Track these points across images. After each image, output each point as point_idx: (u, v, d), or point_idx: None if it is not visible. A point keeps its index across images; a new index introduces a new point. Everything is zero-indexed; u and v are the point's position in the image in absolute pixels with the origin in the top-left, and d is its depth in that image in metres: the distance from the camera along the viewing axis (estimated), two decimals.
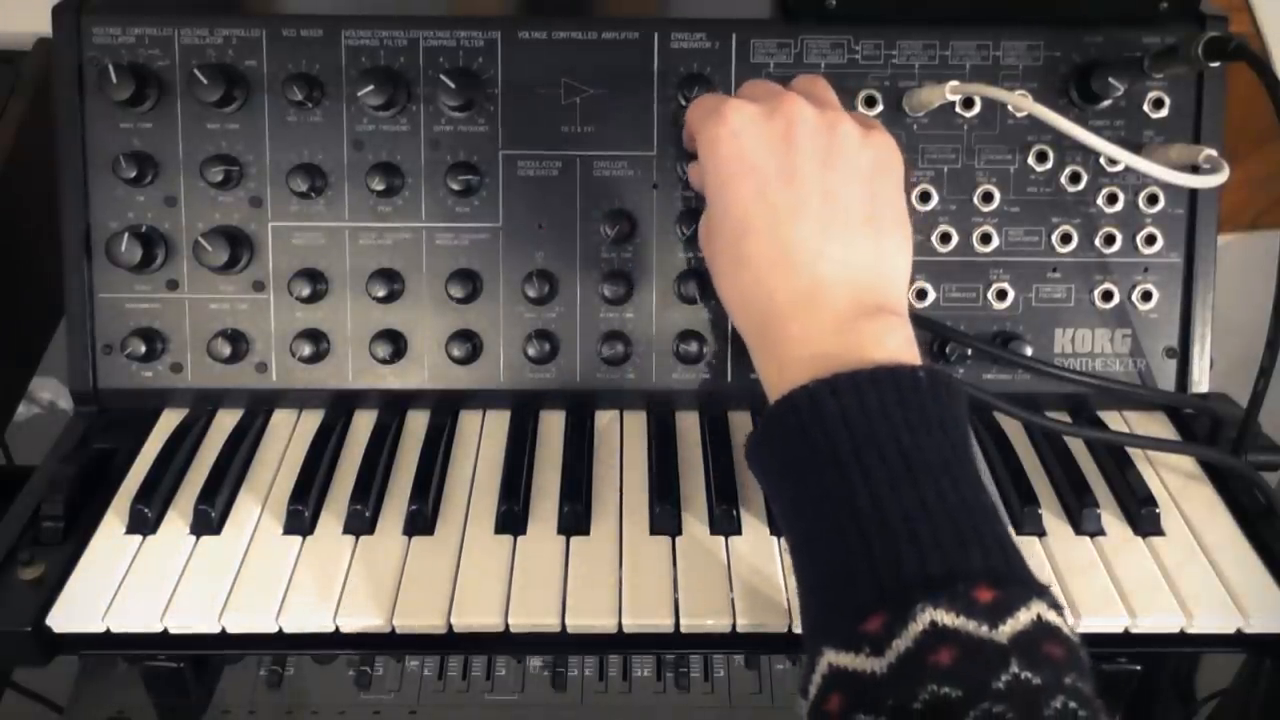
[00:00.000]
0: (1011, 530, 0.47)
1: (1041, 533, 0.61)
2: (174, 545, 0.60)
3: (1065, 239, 0.68)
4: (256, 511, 0.62)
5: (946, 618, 0.40)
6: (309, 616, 0.56)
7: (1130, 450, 0.66)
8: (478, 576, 0.58)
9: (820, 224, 0.54)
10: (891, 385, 0.48)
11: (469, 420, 0.70)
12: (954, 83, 0.64)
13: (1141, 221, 0.69)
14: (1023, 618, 0.40)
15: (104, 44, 0.66)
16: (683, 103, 0.66)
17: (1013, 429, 0.68)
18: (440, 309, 0.68)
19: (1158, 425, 0.70)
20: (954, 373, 0.68)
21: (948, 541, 0.43)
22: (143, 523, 0.60)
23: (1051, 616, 0.41)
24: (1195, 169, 0.65)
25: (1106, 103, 0.67)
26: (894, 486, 0.45)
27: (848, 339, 0.51)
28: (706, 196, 0.59)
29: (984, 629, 0.39)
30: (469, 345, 0.67)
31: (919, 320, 0.67)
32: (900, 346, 0.51)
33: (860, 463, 0.46)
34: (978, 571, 0.42)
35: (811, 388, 0.49)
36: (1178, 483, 0.65)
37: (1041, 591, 0.42)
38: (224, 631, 0.56)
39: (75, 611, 0.56)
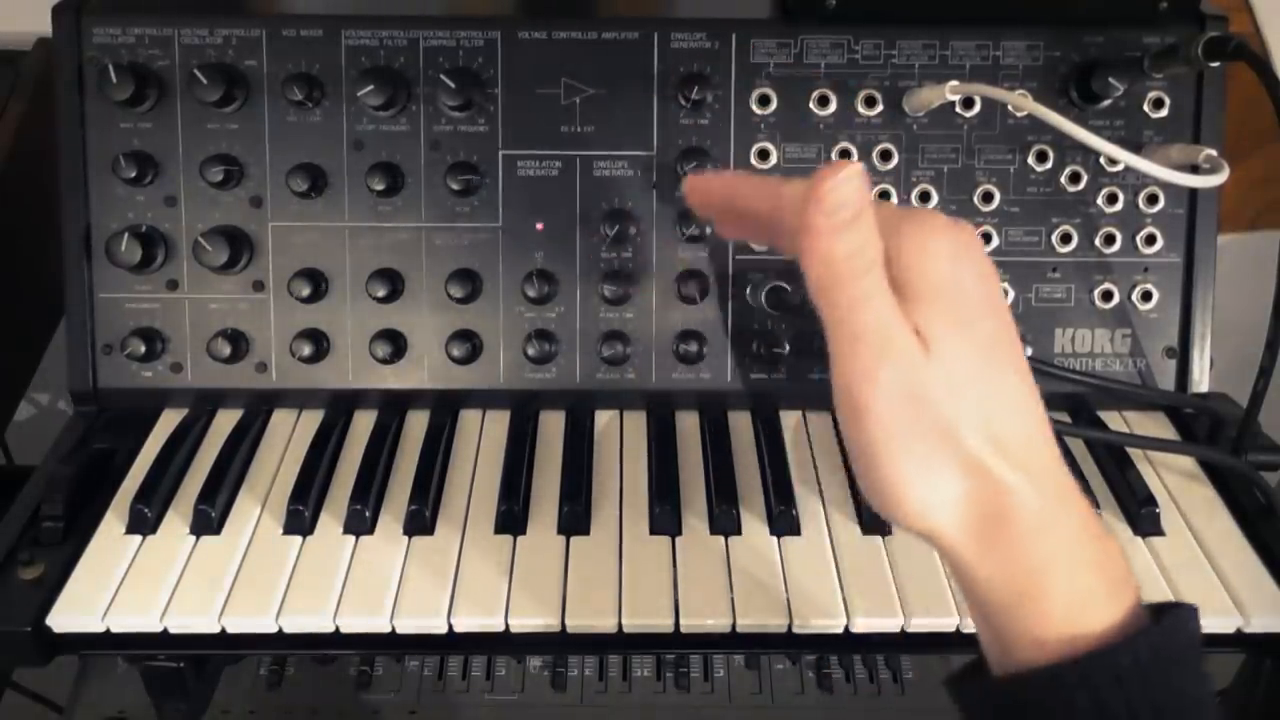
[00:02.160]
0: None
1: None
2: (174, 545, 0.60)
3: (1065, 239, 0.68)
4: (256, 511, 0.62)
5: None
6: (309, 616, 0.56)
7: (1130, 450, 0.66)
8: (478, 576, 0.58)
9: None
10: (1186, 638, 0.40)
11: (469, 420, 0.70)
12: (954, 83, 0.64)
13: (1141, 221, 0.69)
14: None
15: (104, 44, 0.66)
16: (682, 102, 0.66)
17: None
18: (440, 309, 0.68)
19: (1158, 425, 0.70)
20: None
21: None
22: (142, 523, 0.60)
23: None
24: (1195, 169, 0.65)
25: (1106, 103, 0.67)
26: None
27: (1115, 555, 0.41)
28: (922, 337, 0.39)
29: None
30: (469, 345, 0.67)
31: None
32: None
33: None
34: None
35: (1117, 654, 0.38)
36: (1178, 483, 0.65)
37: None
38: (224, 631, 0.56)
39: (75, 611, 0.56)
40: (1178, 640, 0.40)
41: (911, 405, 0.39)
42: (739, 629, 0.55)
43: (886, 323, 0.39)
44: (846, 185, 0.37)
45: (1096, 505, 0.61)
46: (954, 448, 0.39)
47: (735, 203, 0.45)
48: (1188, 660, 0.40)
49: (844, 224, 0.38)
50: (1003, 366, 0.40)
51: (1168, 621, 0.39)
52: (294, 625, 0.56)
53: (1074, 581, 0.39)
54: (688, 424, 0.69)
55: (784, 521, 0.60)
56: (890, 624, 0.55)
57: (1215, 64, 0.62)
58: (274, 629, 0.56)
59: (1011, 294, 0.68)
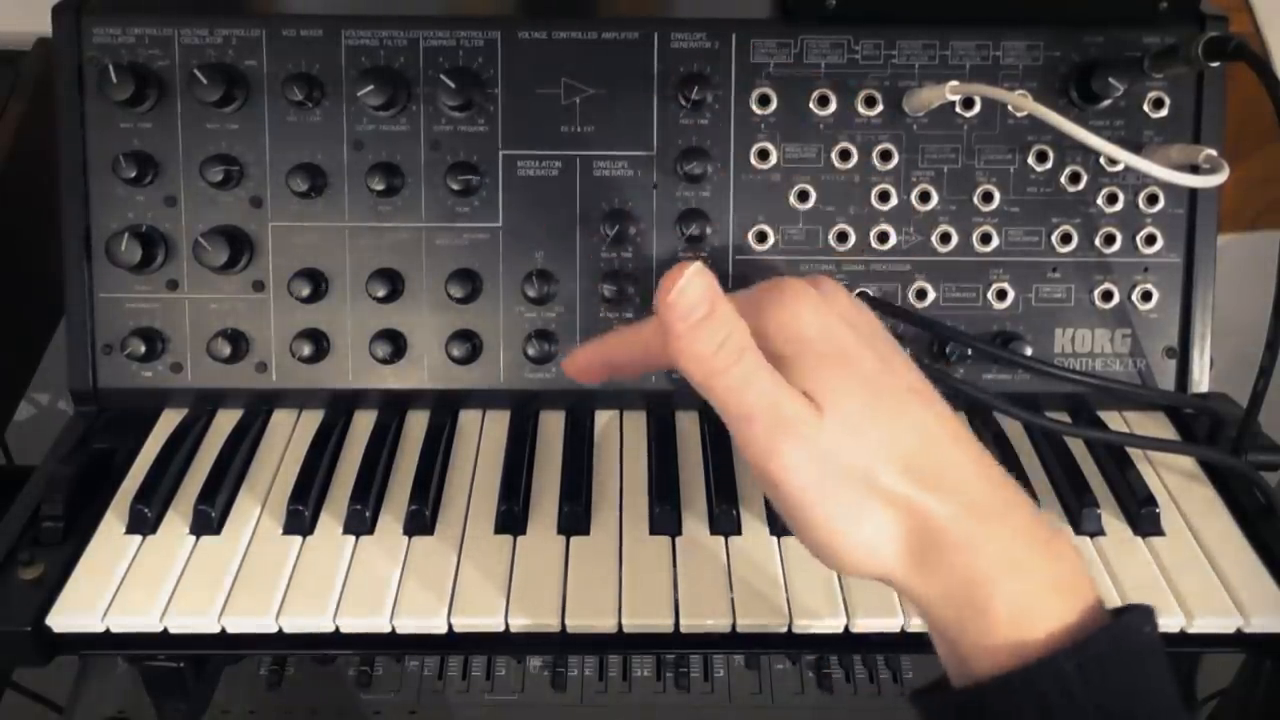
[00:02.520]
0: None
1: None
2: (174, 545, 0.60)
3: (1065, 239, 0.68)
4: (256, 511, 0.62)
5: None
6: (309, 616, 0.56)
7: (1130, 450, 0.66)
8: (478, 576, 0.58)
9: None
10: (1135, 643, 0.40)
11: (469, 420, 0.70)
12: (954, 83, 0.64)
13: (1141, 221, 0.69)
14: None
15: (104, 44, 0.66)
16: (682, 102, 0.66)
17: (1013, 429, 0.68)
18: (440, 309, 0.68)
19: (1158, 425, 0.70)
20: (955, 373, 0.68)
21: None
22: (142, 523, 0.60)
23: None
24: (1195, 169, 0.65)
25: (1106, 103, 0.67)
26: None
27: (1067, 561, 0.41)
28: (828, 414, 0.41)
29: None
30: (469, 345, 0.67)
31: (919, 320, 0.67)
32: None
33: None
34: None
35: (1060, 660, 0.38)
36: (1178, 483, 0.65)
37: None
38: (224, 631, 0.56)
39: (75, 611, 0.56)
40: (1129, 643, 0.39)
41: (820, 466, 0.40)
42: (739, 629, 0.55)
43: (772, 398, 0.40)
44: (691, 286, 0.39)
45: (1095, 505, 0.61)
46: (872, 490, 0.40)
47: (613, 360, 0.48)
48: (1141, 663, 0.40)
49: (700, 322, 0.39)
50: (897, 397, 0.42)
51: (1117, 625, 0.40)
52: (294, 625, 0.56)
53: (1016, 589, 0.39)
54: (688, 424, 0.69)
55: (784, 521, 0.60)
56: (890, 624, 0.55)
57: (1215, 64, 0.61)
58: (274, 629, 0.56)
59: (1011, 294, 0.68)
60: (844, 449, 0.40)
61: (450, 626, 0.55)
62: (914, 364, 0.44)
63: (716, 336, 0.40)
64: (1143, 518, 0.61)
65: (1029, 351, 0.68)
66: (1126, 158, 0.61)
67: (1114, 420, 0.70)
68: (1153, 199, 0.68)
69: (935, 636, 0.43)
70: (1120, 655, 0.39)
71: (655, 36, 0.67)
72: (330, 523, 0.61)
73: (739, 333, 0.40)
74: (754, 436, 0.40)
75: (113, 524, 0.61)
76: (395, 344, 0.67)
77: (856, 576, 0.42)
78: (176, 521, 0.61)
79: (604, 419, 0.70)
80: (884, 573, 0.41)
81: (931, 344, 0.68)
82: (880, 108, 0.67)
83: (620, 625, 0.55)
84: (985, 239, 0.68)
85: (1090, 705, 0.38)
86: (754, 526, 0.61)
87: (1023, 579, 0.40)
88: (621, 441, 0.68)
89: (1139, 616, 0.41)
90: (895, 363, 0.43)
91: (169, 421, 0.68)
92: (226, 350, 0.66)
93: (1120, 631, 0.40)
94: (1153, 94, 0.68)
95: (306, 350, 0.67)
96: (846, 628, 0.55)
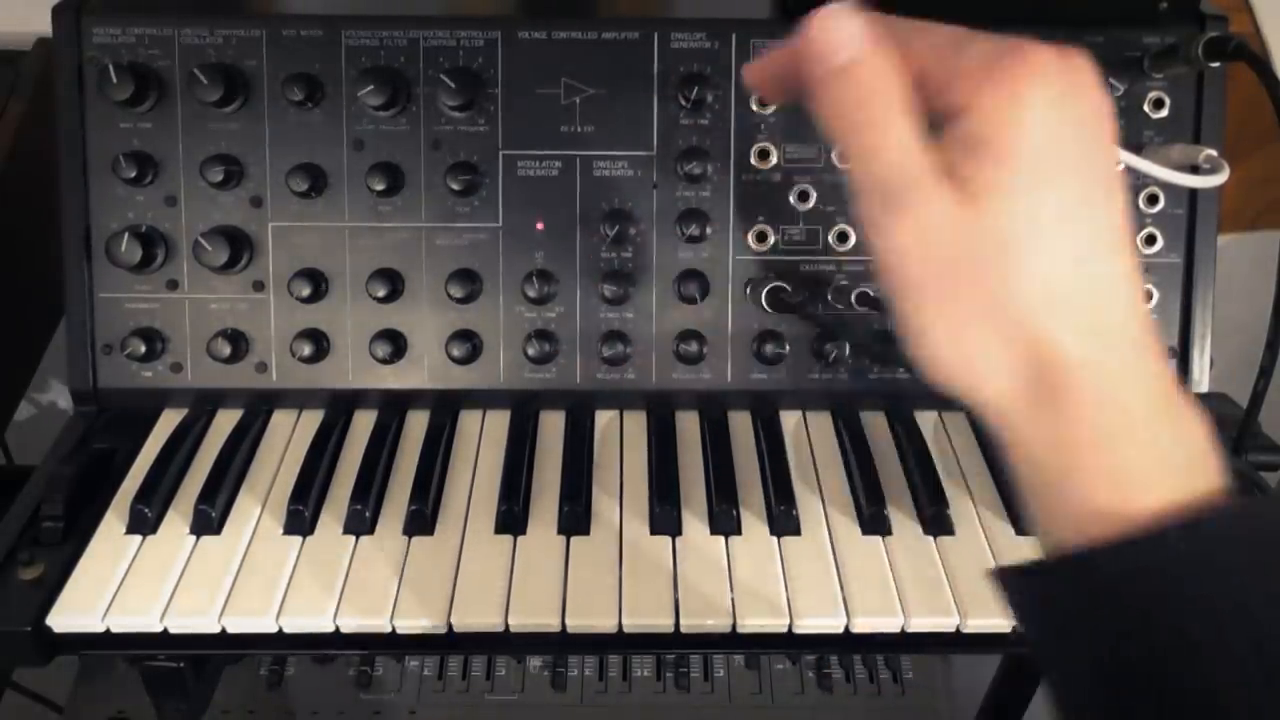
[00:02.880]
0: None
1: None
2: (174, 545, 0.60)
3: None
4: (256, 511, 0.62)
5: None
6: (309, 616, 0.56)
7: None
8: (478, 576, 0.58)
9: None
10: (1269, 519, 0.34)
11: (469, 420, 0.70)
12: None
13: (1141, 221, 0.69)
14: None
15: (104, 44, 0.66)
16: (682, 102, 0.66)
17: None
18: (440, 309, 0.68)
19: None
20: None
21: None
22: (143, 523, 0.60)
23: None
24: (1195, 169, 0.65)
25: None
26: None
27: (1199, 443, 0.35)
28: (991, 189, 0.34)
29: None
30: (469, 345, 0.67)
31: None
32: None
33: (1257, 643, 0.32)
34: None
35: (1187, 529, 0.33)
36: None
37: None
38: (224, 631, 0.56)
39: (75, 611, 0.56)
40: (1247, 529, 0.33)
41: (939, 263, 0.34)
42: (739, 629, 0.55)
43: (906, 169, 0.34)
44: (836, 26, 0.34)
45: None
46: (1000, 312, 0.34)
47: (783, 72, 0.39)
48: (1261, 552, 0.33)
49: (842, 68, 0.34)
50: (1074, 223, 0.35)
51: (1242, 506, 0.34)
52: (294, 625, 0.56)
53: (1133, 455, 0.34)
54: (688, 424, 0.69)
55: (784, 521, 0.60)
56: (890, 624, 0.55)
57: (1215, 64, 0.62)
58: (274, 629, 0.56)
59: None
60: (981, 255, 0.34)
61: (450, 626, 0.55)
62: (1121, 215, 0.37)
63: (860, 88, 0.34)
64: None
65: None
66: (1126, 158, 0.61)
67: None
68: (1153, 199, 0.68)
69: (1027, 493, 0.37)
70: (1236, 541, 0.33)
71: (655, 36, 0.67)
72: (330, 523, 0.61)
73: (892, 89, 0.34)
74: (871, 208, 0.35)
75: (113, 524, 0.61)
76: (395, 344, 0.67)
77: (956, 396, 0.36)
78: (177, 521, 0.61)
79: (604, 419, 0.70)
80: (986, 401, 0.36)
81: None
82: None
83: (620, 625, 0.55)
84: None
85: (1196, 590, 0.33)
86: (754, 526, 0.61)
87: (1143, 446, 0.34)
88: (621, 441, 0.68)
89: (1266, 503, 0.36)
90: (1099, 203, 0.36)
91: (169, 421, 0.68)
92: (226, 350, 0.66)
93: (1243, 514, 0.34)
94: (1153, 94, 0.68)
95: (306, 350, 0.67)
96: (846, 628, 0.55)
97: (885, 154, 0.34)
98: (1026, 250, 0.34)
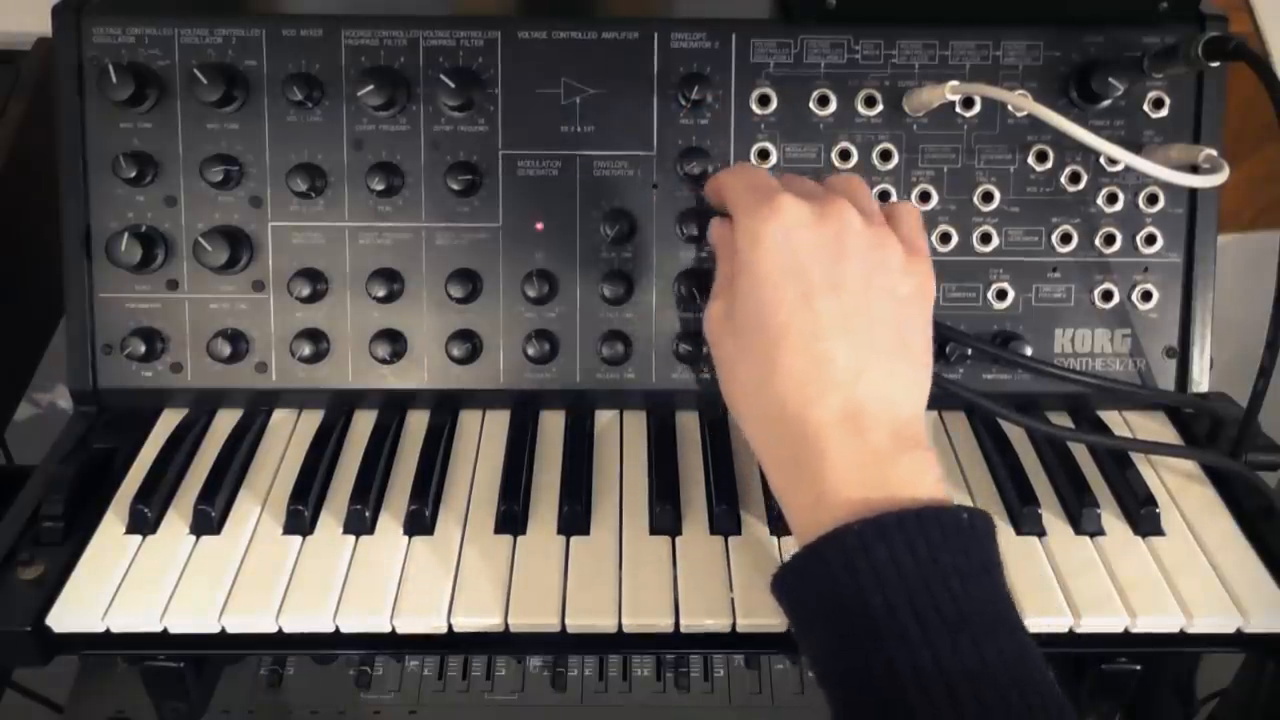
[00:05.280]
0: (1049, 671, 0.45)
1: (1041, 533, 0.61)
2: (174, 545, 0.60)
3: (1065, 239, 0.68)
4: (256, 511, 0.62)
5: None
6: (309, 616, 0.56)
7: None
8: (478, 576, 0.58)
9: (861, 343, 0.51)
10: (937, 527, 0.46)
11: (469, 420, 0.70)
12: (954, 83, 0.64)
13: (1141, 221, 0.69)
14: None
15: (104, 44, 0.66)
16: (682, 102, 0.66)
17: (1013, 429, 0.68)
18: (440, 309, 0.68)
19: (1158, 425, 0.70)
20: (954, 374, 0.68)
21: (997, 709, 0.42)
22: (143, 523, 0.60)
23: None
24: (1195, 169, 0.65)
25: (1106, 103, 0.67)
26: (950, 644, 0.43)
27: (886, 474, 0.49)
28: (734, 284, 0.55)
29: None
30: (469, 345, 0.67)
31: None
32: (936, 485, 0.50)
33: (916, 615, 0.44)
34: None
35: (858, 529, 0.46)
36: (1177, 483, 0.65)
37: None
38: (224, 631, 0.56)
39: (75, 611, 0.56)
40: (930, 522, 0.46)
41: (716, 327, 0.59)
42: (739, 629, 0.55)
43: (721, 243, 0.60)
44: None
45: (1095, 505, 0.61)
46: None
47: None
48: (946, 542, 0.46)
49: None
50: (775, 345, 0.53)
51: (925, 509, 0.47)
52: (294, 625, 0.56)
53: (825, 491, 0.50)
54: (688, 424, 0.69)
55: (784, 521, 0.60)
56: None
57: (1215, 64, 0.62)
58: (274, 629, 0.56)
59: (1011, 294, 0.68)
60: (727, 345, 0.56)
61: (450, 626, 0.55)
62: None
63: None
64: (1143, 518, 0.61)
65: (1029, 351, 0.68)
66: (1126, 158, 0.61)
67: (1114, 420, 0.70)
68: (1153, 199, 0.68)
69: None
70: (973, 527, 0.47)
71: (655, 36, 0.67)
72: (330, 523, 0.61)
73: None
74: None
75: (113, 524, 0.61)
76: (395, 344, 0.67)
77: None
78: (177, 521, 0.61)
79: (604, 419, 0.70)
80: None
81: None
82: (880, 108, 0.67)
83: (620, 625, 0.55)
84: (985, 239, 0.68)
85: (885, 570, 0.45)
86: (754, 526, 0.61)
87: (845, 481, 0.49)
88: (621, 441, 0.68)
89: (956, 510, 0.48)
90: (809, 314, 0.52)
91: (169, 421, 0.68)
92: (226, 350, 0.66)
93: (972, 512, 0.48)
94: (1153, 94, 0.68)
95: (306, 350, 0.67)
96: None
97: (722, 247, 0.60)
98: (769, 332, 0.53)
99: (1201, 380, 0.69)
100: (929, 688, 0.42)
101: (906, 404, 0.52)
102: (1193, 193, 0.68)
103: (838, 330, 0.51)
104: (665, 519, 0.61)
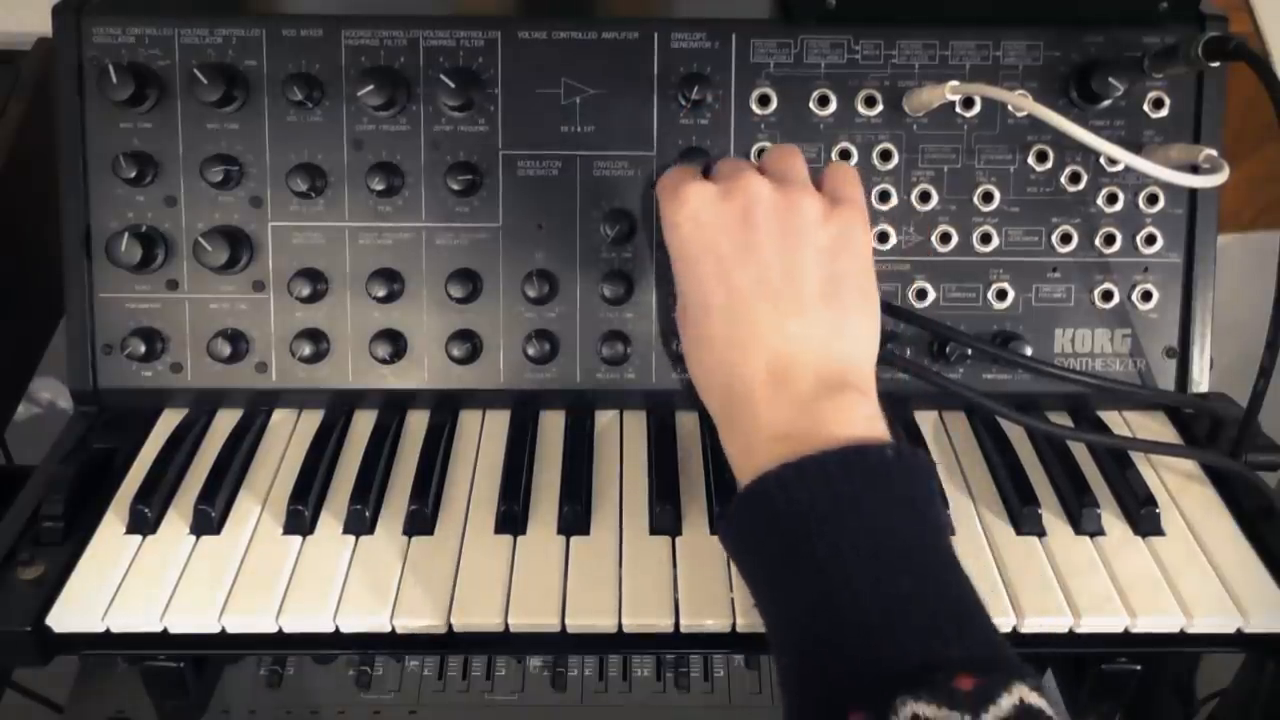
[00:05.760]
0: (985, 605, 0.46)
1: (1041, 533, 0.61)
2: (174, 545, 0.60)
3: (1065, 239, 0.68)
4: (256, 511, 0.62)
5: (928, 710, 0.39)
6: (309, 616, 0.56)
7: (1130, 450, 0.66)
8: (478, 576, 0.58)
9: (779, 301, 0.54)
10: (860, 466, 0.48)
11: (469, 420, 0.70)
12: (954, 83, 0.64)
13: (1141, 221, 0.69)
14: (1005, 704, 0.39)
15: (104, 44, 0.66)
16: (683, 102, 0.66)
17: (1013, 428, 0.68)
18: (440, 309, 0.68)
19: (1157, 425, 0.70)
20: (954, 374, 0.68)
21: (926, 631, 0.43)
22: (143, 523, 0.60)
23: (1034, 699, 0.40)
24: (1195, 169, 0.65)
25: (1106, 103, 0.67)
26: (869, 577, 0.44)
27: (812, 418, 0.51)
28: (674, 277, 0.60)
29: (967, 718, 0.39)
30: (469, 345, 0.67)
31: (919, 320, 0.67)
32: (867, 423, 0.51)
33: (835, 553, 0.45)
34: (957, 660, 0.41)
35: (779, 473, 0.48)
36: (1178, 483, 0.65)
37: (1023, 673, 0.41)
38: (224, 631, 0.56)
39: (75, 611, 0.56)
40: (853, 461, 0.48)
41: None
42: (739, 629, 0.55)
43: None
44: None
45: (1095, 505, 0.61)
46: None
47: None
48: (873, 480, 0.47)
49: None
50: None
51: (850, 449, 0.48)
52: (294, 625, 0.56)
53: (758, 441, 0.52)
54: (688, 424, 0.69)
55: None
56: None
57: (1215, 64, 0.61)
58: (274, 629, 0.56)
59: (1011, 294, 0.68)
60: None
61: (450, 626, 0.55)
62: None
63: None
64: (1143, 518, 0.61)
65: (1029, 351, 0.68)
66: (1126, 158, 0.61)
67: (1114, 420, 0.70)
68: (1153, 199, 0.68)
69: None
70: (899, 463, 0.48)
71: (655, 36, 0.67)
72: (330, 523, 0.61)
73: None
74: None
75: (113, 524, 0.61)
76: (395, 344, 0.67)
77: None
78: (177, 521, 0.61)
79: (604, 419, 0.70)
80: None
81: (931, 344, 0.68)
82: (880, 108, 0.67)
83: (620, 625, 0.55)
84: (985, 239, 0.68)
85: (820, 504, 0.46)
86: None
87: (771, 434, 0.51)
88: (621, 441, 0.68)
89: (880, 447, 0.49)
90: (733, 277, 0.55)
91: (169, 421, 0.68)
92: (226, 350, 0.66)
93: (897, 448, 0.49)
94: (1153, 94, 0.68)
95: (306, 350, 0.67)
96: None
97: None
98: (697, 309, 0.58)
99: (1201, 380, 0.69)
100: (852, 622, 0.44)
101: (837, 348, 0.54)
102: (1193, 193, 0.68)
103: (755, 294, 0.54)
104: (665, 519, 0.61)
